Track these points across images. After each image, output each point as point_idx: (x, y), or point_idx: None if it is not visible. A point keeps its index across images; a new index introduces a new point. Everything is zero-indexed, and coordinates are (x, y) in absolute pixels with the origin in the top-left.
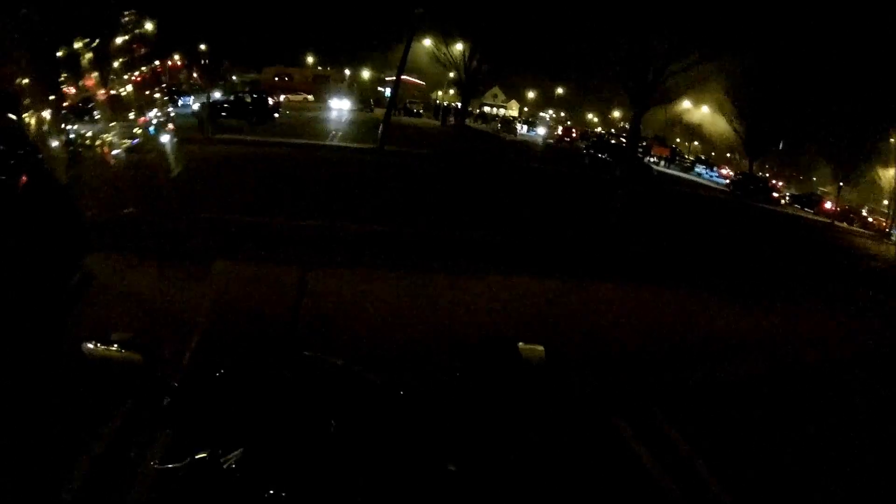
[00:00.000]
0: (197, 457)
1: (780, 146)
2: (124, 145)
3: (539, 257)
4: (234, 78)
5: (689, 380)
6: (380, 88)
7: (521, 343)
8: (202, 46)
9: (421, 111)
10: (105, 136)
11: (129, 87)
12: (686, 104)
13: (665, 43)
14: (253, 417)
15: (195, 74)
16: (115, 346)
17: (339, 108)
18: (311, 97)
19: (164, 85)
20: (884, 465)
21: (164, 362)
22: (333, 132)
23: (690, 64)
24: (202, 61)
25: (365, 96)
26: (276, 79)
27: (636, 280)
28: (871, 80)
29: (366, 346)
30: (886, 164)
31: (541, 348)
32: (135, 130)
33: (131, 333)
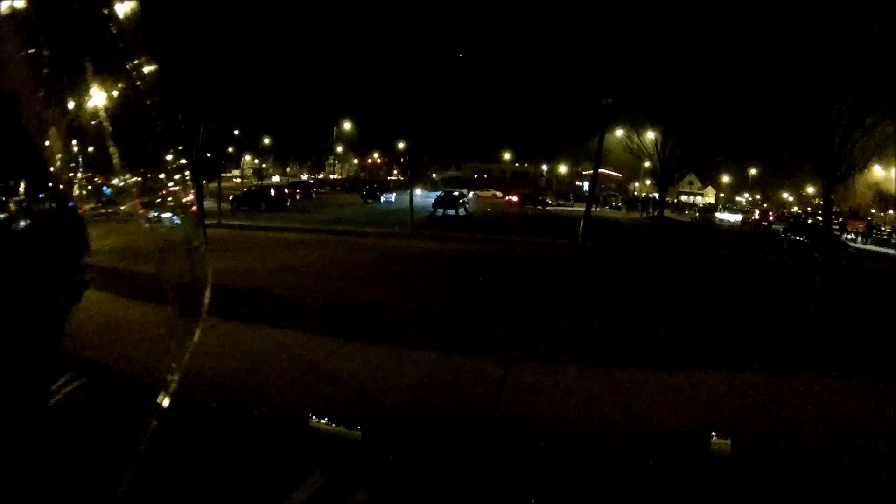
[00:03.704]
0: None
1: None
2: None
3: (737, 351)
4: (433, 175)
5: None
6: (577, 182)
7: (713, 436)
8: (401, 145)
9: (619, 204)
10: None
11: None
12: (877, 169)
13: (847, 107)
14: (454, 489)
15: (395, 171)
16: (336, 422)
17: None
18: (499, 193)
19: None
20: None
21: (377, 438)
22: (533, 227)
23: (873, 124)
24: (401, 159)
25: (563, 191)
26: (476, 175)
27: (838, 371)
28: None
29: (562, 435)
30: None
31: (727, 442)
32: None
33: None
